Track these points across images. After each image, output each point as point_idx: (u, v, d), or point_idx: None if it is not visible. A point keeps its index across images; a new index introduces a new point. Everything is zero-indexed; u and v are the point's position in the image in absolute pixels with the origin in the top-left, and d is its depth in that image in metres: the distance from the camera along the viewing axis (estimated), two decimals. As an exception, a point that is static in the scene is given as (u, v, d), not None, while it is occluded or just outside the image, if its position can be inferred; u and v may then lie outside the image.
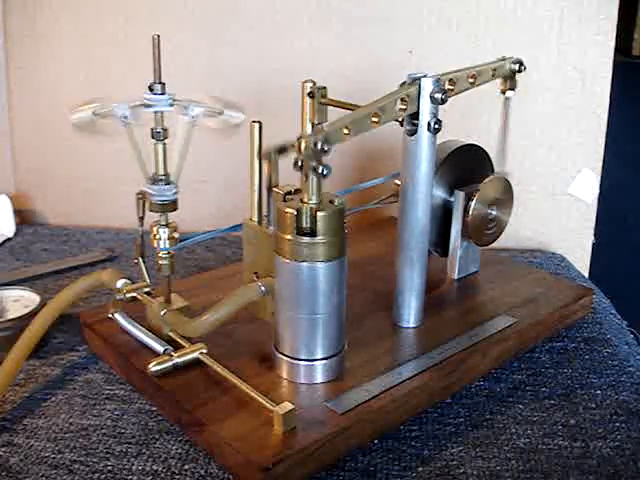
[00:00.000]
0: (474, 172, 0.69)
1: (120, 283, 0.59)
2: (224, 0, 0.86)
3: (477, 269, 0.72)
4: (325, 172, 0.47)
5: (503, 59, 0.63)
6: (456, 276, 0.70)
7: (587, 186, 0.88)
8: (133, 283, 0.59)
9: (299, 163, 0.48)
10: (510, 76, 0.64)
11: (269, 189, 0.54)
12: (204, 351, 0.55)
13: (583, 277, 0.84)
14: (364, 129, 0.51)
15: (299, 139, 0.46)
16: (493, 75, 0.62)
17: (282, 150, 0.52)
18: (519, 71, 0.64)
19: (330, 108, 0.55)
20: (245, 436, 0.47)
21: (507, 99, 0.65)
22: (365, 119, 0.51)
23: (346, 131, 0.49)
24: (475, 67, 0.60)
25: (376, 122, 0.52)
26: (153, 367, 0.53)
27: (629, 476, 0.49)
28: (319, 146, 0.46)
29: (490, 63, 0.62)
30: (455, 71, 0.57)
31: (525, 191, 0.87)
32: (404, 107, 0.54)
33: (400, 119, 0.60)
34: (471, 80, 0.59)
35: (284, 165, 0.53)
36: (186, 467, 0.49)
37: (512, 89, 0.64)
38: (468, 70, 0.59)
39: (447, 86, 0.57)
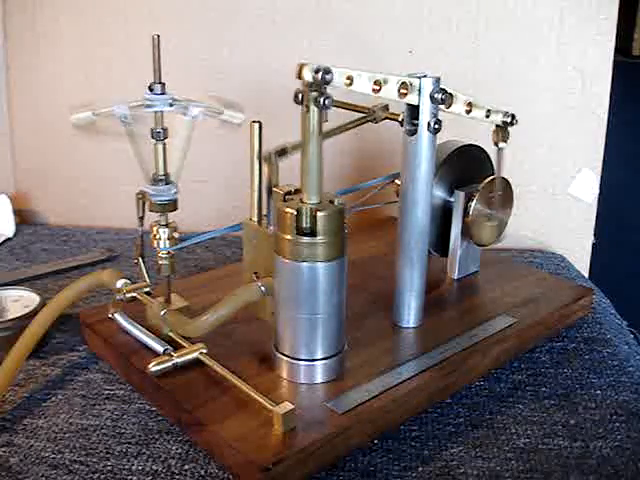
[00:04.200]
0: (474, 172, 0.69)
1: (120, 283, 0.59)
2: (224, 0, 0.86)
3: (477, 269, 0.72)
4: (327, 102, 0.46)
5: (497, 112, 0.62)
6: (456, 276, 0.70)
7: (587, 186, 0.88)
8: (133, 283, 0.59)
9: (299, 96, 0.48)
10: (502, 127, 0.63)
11: (269, 191, 0.54)
12: (204, 351, 0.55)
13: (583, 277, 0.84)
14: (363, 89, 0.50)
15: (300, 65, 0.45)
16: (487, 116, 0.61)
17: (282, 152, 0.52)
18: (510, 124, 0.63)
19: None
20: (245, 436, 0.47)
21: (500, 150, 0.64)
22: (366, 81, 0.51)
23: (347, 81, 0.49)
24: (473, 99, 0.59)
25: (376, 90, 0.51)
26: (153, 367, 0.53)
27: (629, 476, 0.49)
28: (320, 75, 0.45)
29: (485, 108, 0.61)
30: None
31: (525, 191, 0.87)
32: (405, 92, 0.54)
33: (400, 119, 0.60)
34: (467, 108, 0.59)
35: (284, 166, 0.53)
36: (186, 467, 0.49)
37: (504, 141, 0.64)
38: (466, 98, 0.58)
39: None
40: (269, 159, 0.52)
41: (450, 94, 0.56)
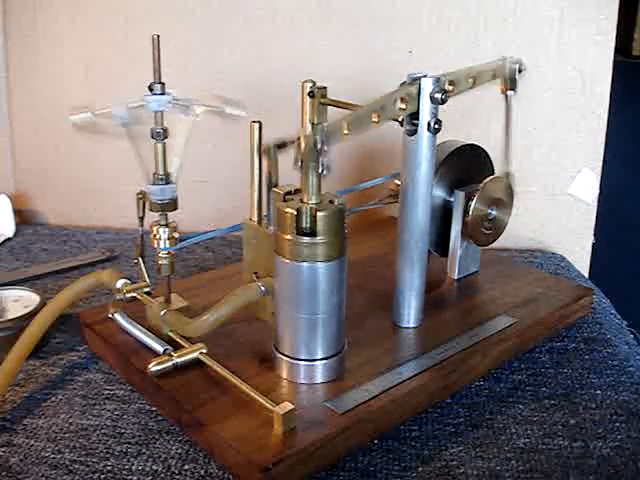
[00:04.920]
0: (474, 172, 0.69)
1: (120, 283, 0.59)
2: (224, 0, 0.86)
3: (477, 269, 0.72)
4: (325, 172, 0.47)
5: (503, 59, 0.63)
6: (456, 276, 0.70)
7: (587, 186, 0.88)
8: (133, 283, 0.59)
9: (299, 162, 0.48)
10: (511, 77, 0.63)
11: (269, 185, 0.54)
12: (204, 351, 0.55)
13: (583, 277, 0.84)
14: (364, 128, 0.51)
15: (299, 139, 0.46)
16: (493, 76, 0.61)
17: (281, 145, 0.52)
18: (519, 71, 0.63)
19: (330, 108, 0.55)
20: (245, 436, 0.47)
21: (507, 97, 0.64)
22: (365, 118, 0.51)
23: (346, 131, 0.49)
24: (475, 68, 0.59)
25: (376, 121, 0.52)
26: (153, 367, 0.53)
27: (629, 476, 0.49)
28: (318, 146, 0.46)
29: (490, 64, 0.61)
30: (455, 71, 0.57)
31: (525, 191, 0.87)
32: (404, 106, 0.54)
33: (400, 119, 0.60)
34: (471, 80, 0.59)
35: (284, 165, 0.53)
36: (186, 467, 0.49)
37: (512, 89, 0.64)
38: (468, 71, 0.58)
39: (447, 86, 0.57)
40: (268, 152, 0.52)
41: (451, 80, 0.55)
